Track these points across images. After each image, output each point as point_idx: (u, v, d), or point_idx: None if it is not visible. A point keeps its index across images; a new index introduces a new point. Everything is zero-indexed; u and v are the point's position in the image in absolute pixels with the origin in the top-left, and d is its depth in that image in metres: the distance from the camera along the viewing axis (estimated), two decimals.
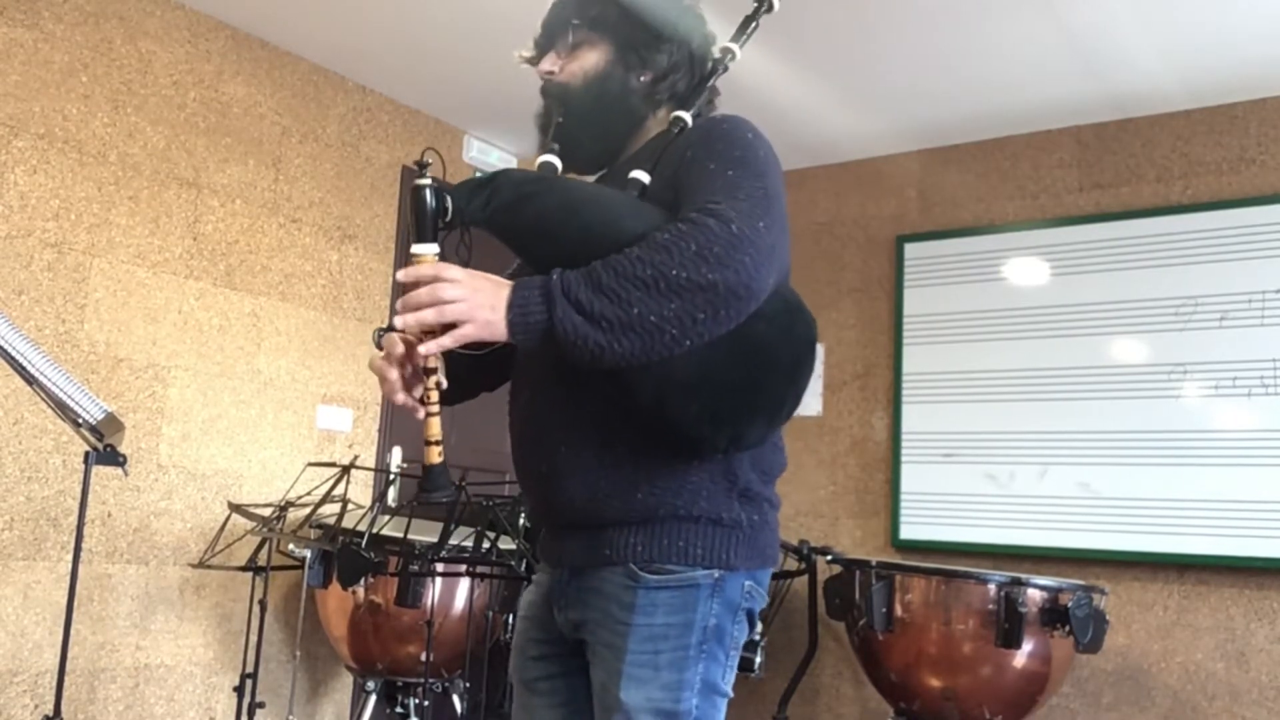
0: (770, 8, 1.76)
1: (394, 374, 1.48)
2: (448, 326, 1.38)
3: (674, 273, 1.35)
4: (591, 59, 1.64)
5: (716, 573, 1.53)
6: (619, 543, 1.52)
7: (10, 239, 3.12)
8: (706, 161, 1.49)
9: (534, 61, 1.70)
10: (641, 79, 1.65)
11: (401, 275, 1.43)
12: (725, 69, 1.72)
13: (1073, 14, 3.30)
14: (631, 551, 1.51)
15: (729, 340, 1.42)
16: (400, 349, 1.48)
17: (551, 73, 1.66)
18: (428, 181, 1.45)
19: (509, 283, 1.40)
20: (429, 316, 1.38)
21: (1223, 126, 3.84)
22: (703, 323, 1.37)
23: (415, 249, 1.44)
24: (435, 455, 1.48)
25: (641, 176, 1.56)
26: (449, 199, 1.46)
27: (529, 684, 1.66)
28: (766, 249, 1.40)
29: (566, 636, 1.61)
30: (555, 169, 1.62)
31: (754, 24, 1.75)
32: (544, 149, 1.63)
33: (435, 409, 1.47)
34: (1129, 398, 3.80)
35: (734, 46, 1.72)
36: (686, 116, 1.63)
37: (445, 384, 1.47)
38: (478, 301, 1.38)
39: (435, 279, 1.39)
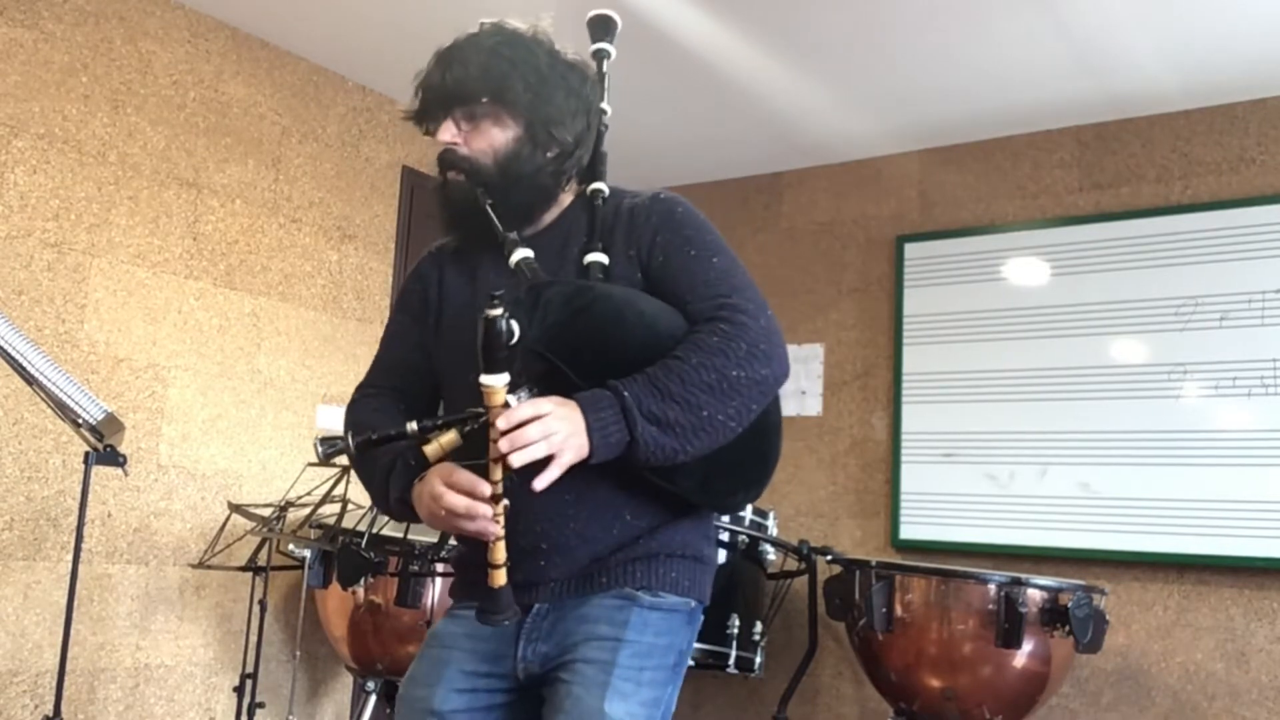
0: (609, 55, 1.77)
1: (487, 509, 1.48)
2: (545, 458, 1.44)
3: (734, 373, 1.50)
4: (500, 136, 1.61)
5: (693, 603, 1.65)
6: (616, 572, 1.59)
7: (10, 239, 3.12)
8: (685, 248, 1.60)
9: (420, 120, 1.67)
10: (549, 155, 1.63)
11: (503, 422, 1.43)
12: (606, 128, 1.74)
13: (1073, 14, 3.30)
14: (630, 578, 1.59)
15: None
16: (485, 487, 1.46)
17: (455, 144, 1.62)
18: (500, 312, 1.40)
19: (572, 402, 1.47)
20: (540, 451, 1.42)
21: (1223, 126, 3.84)
22: (754, 411, 1.54)
23: (487, 380, 1.42)
24: (501, 578, 1.49)
25: (601, 259, 1.61)
26: (515, 324, 1.44)
27: (443, 715, 1.61)
28: (782, 333, 1.59)
29: (520, 672, 1.60)
30: (532, 260, 1.59)
31: (605, 77, 1.77)
32: (508, 244, 1.58)
33: (502, 533, 1.48)
34: (1129, 398, 3.80)
35: (604, 107, 1.75)
36: (605, 188, 1.68)
37: (509, 505, 1.48)
38: (570, 429, 1.45)
39: (537, 417, 1.43)
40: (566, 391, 1.49)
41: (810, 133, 4.33)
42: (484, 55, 1.61)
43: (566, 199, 1.70)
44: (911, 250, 4.34)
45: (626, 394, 1.47)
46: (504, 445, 1.42)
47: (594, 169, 1.70)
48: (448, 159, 1.63)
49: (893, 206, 4.47)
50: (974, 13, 3.33)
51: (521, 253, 1.58)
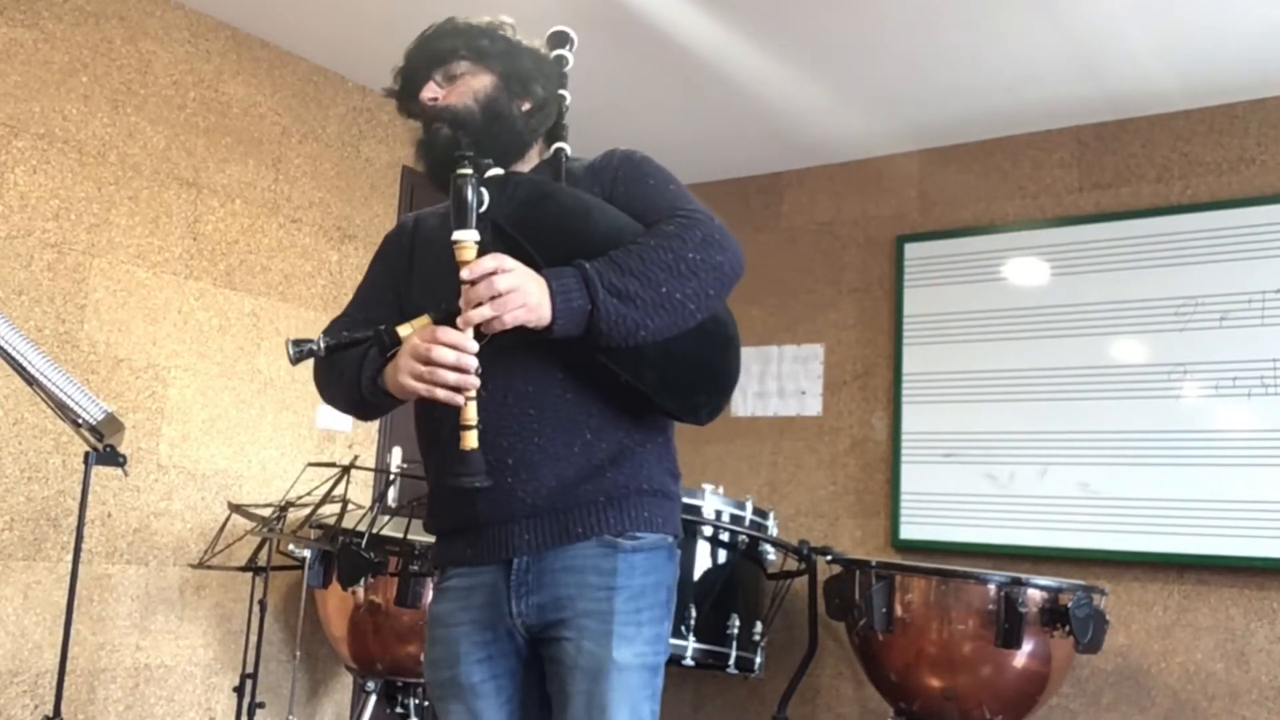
0: (567, 62, 1.88)
1: (474, 361, 1.55)
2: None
3: (690, 255, 1.59)
4: (479, 84, 1.74)
5: (670, 538, 1.72)
6: (589, 520, 1.63)
7: (10, 239, 3.12)
8: (645, 179, 1.72)
9: (402, 92, 1.79)
10: (523, 108, 1.76)
11: (466, 273, 1.53)
12: (567, 109, 1.86)
13: (1073, 14, 3.30)
14: (605, 525, 1.64)
15: (709, 322, 1.65)
16: (471, 342, 1.55)
17: (435, 99, 1.74)
18: (469, 173, 1.54)
19: (539, 274, 1.55)
20: (499, 304, 1.51)
21: (1223, 126, 3.84)
22: (712, 298, 1.62)
23: (458, 235, 1.53)
24: (472, 440, 1.55)
25: None
26: (484, 191, 1.58)
27: (473, 688, 1.69)
28: (736, 240, 1.67)
29: (519, 629, 1.66)
30: (503, 173, 1.72)
31: (565, 76, 1.87)
32: (483, 167, 1.68)
33: (473, 393, 1.55)
34: (1129, 398, 3.80)
35: (564, 93, 1.86)
36: (567, 147, 1.79)
37: (480, 369, 1.56)
38: (531, 288, 1.52)
39: (498, 269, 1.51)
40: None
41: (810, 133, 4.33)
42: (455, 27, 1.79)
43: (534, 159, 1.80)
44: (911, 250, 4.34)
45: (588, 266, 1.55)
46: (467, 296, 1.52)
47: (557, 136, 1.82)
48: (431, 112, 1.75)
49: (893, 206, 4.46)
50: (974, 13, 3.33)
51: (495, 171, 1.70)
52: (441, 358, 1.54)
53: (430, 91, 1.74)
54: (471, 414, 1.54)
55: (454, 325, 1.56)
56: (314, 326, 3.88)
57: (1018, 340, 4.05)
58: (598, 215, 1.65)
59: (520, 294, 1.51)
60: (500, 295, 1.50)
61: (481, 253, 1.54)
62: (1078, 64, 3.62)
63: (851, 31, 3.50)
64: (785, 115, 4.16)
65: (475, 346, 1.54)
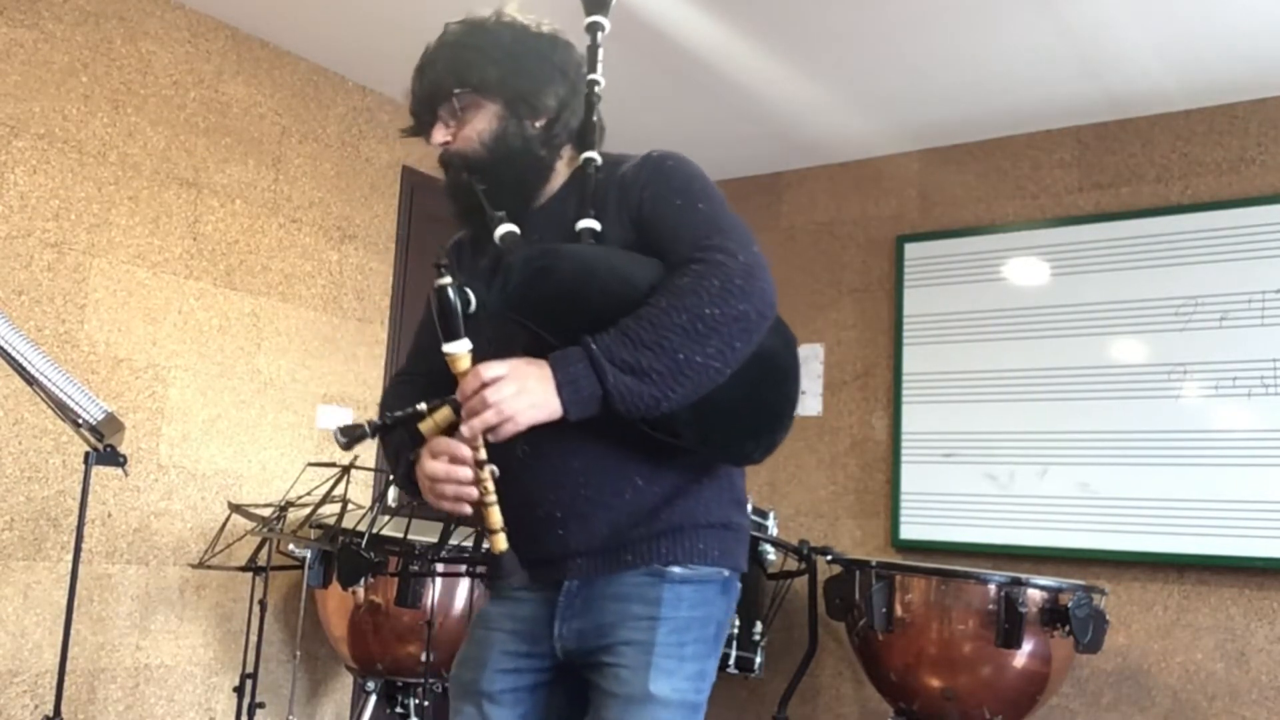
0: (602, 28, 1.76)
1: (468, 473, 1.50)
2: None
3: (707, 311, 1.45)
4: (483, 120, 1.64)
5: (726, 571, 1.63)
6: (641, 549, 1.58)
7: (10, 239, 3.12)
8: (672, 199, 1.58)
9: (416, 133, 1.72)
10: (537, 125, 1.65)
11: (459, 394, 1.47)
12: (599, 99, 1.74)
13: (1072, 14, 3.30)
14: (656, 554, 1.57)
15: (750, 360, 1.53)
16: (465, 450, 1.49)
17: (447, 143, 1.66)
18: (449, 280, 1.46)
19: (544, 362, 1.46)
20: (491, 419, 1.44)
21: (1223, 126, 3.84)
22: (740, 350, 1.49)
23: (447, 349, 1.46)
24: (502, 542, 1.50)
25: (593, 225, 1.60)
26: (470, 292, 1.48)
27: (491, 695, 1.65)
28: (768, 269, 1.54)
29: (558, 650, 1.62)
30: (517, 235, 1.62)
31: (599, 50, 1.76)
32: (493, 222, 1.61)
33: (493, 499, 1.50)
34: (1129, 398, 3.80)
35: (597, 78, 1.74)
36: (596, 156, 1.67)
37: (498, 472, 1.50)
38: (528, 388, 1.44)
39: (482, 384, 1.44)
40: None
41: (810, 133, 4.33)
42: (449, 51, 1.67)
43: (564, 172, 1.71)
44: (911, 250, 4.34)
45: (595, 346, 1.45)
46: (464, 412, 1.46)
47: (586, 139, 1.70)
48: (443, 158, 1.68)
49: (893, 206, 4.47)
50: (974, 13, 3.33)
51: (505, 228, 1.61)
52: (431, 472, 1.52)
53: (440, 135, 1.66)
54: (493, 520, 1.49)
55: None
56: (314, 326, 3.88)
57: (1018, 340, 4.05)
58: (604, 276, 1.52)
59: (518, 398, 1.43)
60: (497, 406, 1.43)
61: (480, 356, 1.47)
62: (1078, 64, 3.62)
63: (851, 31, 3.50)
64: (785, 115, 4.16)
65: (468, 454, 1.48)
